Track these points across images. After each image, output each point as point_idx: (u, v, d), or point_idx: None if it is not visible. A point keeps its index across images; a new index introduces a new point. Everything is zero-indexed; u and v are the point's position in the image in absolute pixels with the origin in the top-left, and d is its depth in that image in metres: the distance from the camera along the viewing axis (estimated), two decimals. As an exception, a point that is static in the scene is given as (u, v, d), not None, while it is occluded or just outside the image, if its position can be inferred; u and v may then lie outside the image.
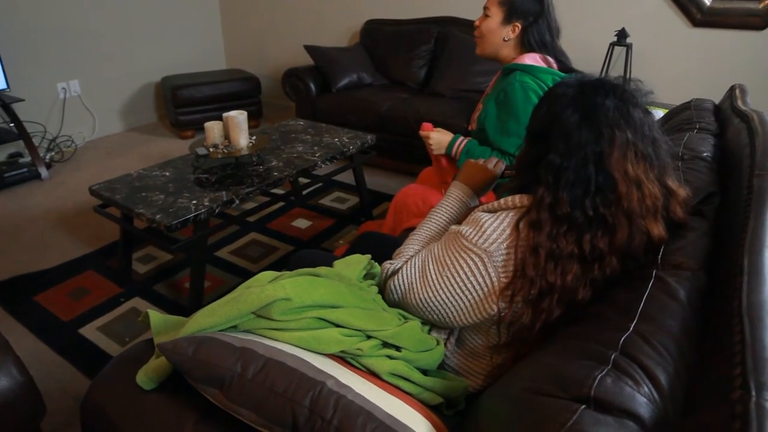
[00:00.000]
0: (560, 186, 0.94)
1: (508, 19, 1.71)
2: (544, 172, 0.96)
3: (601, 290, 0.95)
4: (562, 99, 0.99)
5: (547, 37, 1.71)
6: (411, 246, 1.23)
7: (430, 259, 1.07)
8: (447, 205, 1.32)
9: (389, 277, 1.14)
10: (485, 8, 1.74)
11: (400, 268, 1.13)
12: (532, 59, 1.70)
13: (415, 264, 1.10)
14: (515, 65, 1.71)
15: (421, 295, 1.06)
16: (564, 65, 1.75)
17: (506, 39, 1.73)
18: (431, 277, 1.05)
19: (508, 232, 0.98)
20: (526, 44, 1.72)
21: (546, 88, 1.64)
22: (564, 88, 1.02)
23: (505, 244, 0.97)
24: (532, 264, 0.94)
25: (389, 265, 1.17)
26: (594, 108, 0.95)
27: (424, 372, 1.04)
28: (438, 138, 1.83)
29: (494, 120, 1.74)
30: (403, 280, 1.10)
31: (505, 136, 1.72)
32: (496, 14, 1.72)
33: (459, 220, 1.29)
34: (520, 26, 1.70)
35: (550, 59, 1.73)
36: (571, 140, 0.94)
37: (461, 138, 1.81)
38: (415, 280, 1.08)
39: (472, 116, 1.92)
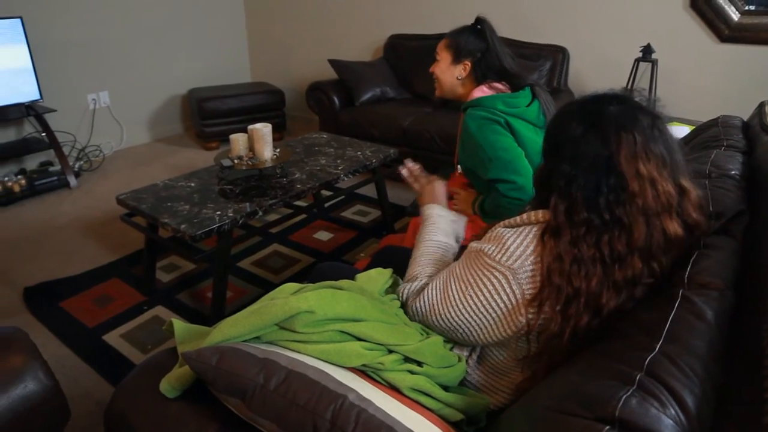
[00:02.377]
0: (572, 190, 0.95)
1: (456, 59, 1.80)
2: (555, 180, 0.98)
3: (628, 298, 0.94)
4: (566, 115, 1.02)
5: (497, 64, 1.79)
6: (422, 267, 1.23)
7: (452, 278, 1.07)
8: (434, 223, 1.35)
9: (410, 299, 1.14)
10: (436, 53, 1.84)
11: (421, 289, 1.13)
12: (479, 92, 1.78)
13: (436, 285, 1.09)
14: (467, 103, 1.79)
15: (444, 315, 1.06)
16: (517, 84, 1.79)
17: (459, 78, 1.82)
18: (454, 296, 1.05)
19: (532, 247, 0.98)
20: (478, 78, 1.80)
21: (497, 112, 1.70)
22: (566, 106, 1.04)
23: (530, 260, 0.97)
24: (557, 271, 0.94)
25: (405, 289, 1.18)
26: (597, 114, 0.96)
27: (445, 388, 1.03)
28: (463, 198, 1.91)
29: (473, 161, 1.79)
30: (425, 302, 1.09)
31: (477, 165, 1.76)
32: (445, 58, 1.82)
33: (449, 231, 1.34)
34: (469, 64, 1.79)
35: (498, 85, 1.79)
36: (578, 148, 0.96)
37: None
38: (438, 300, 1.07)
39: (455, 160, 1.97)
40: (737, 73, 3.04)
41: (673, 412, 0.66)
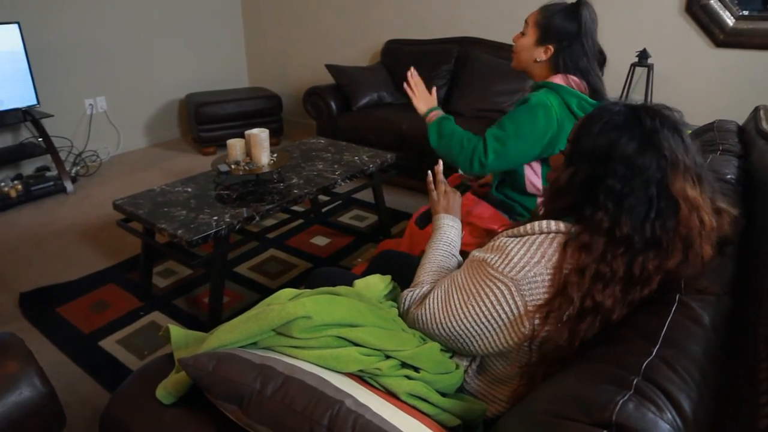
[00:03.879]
0: (622, 210, 0.93)
1: (541, 41, 1.67)
2: (603, 197, 0.95)
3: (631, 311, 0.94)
4: (614, 125, 0.98)
5: (583, 62, 1.67)
6: (427, 275, 1.22)
7: (453, 288, 1.06)
8: (445, 233, 1.33)
9: (411, 307, 1.14)
10: (525, 24, 1.72)
11: (423, 297, 1.12)
12: (559, 79, 1.68)
13: (437, 294, 1.09)
14: (545, 83, 1.69)
15: (445, 325, 1.05)
16: (595, 92, 1.71)
17: (538, 60, 1.70)
18: (456, 306, 1.04)
19: (537, 257, 0.97)
20: (556, 68, 1.69)
21: (567, 111, 1.63)
22: (610, 113, 1.00)
23: (534, 270, 0.96)
24: (575, 284, 0.93)
25: (408, 293, 1.17)
26: (653, 133, 0.94)
27: (443, 394, 1.03)
28: (423, 94, 1.90)
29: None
30: (426, 310, 1.09)
31: (495, 125, 1.71)
32: (531, 34, 1.69)
33: (457, 243, 1.33)
34: (552, 49, 1.66)
35: (580, 82, 1.69)
36: (632, 165, 0.94)
37: (437, 111, 1.85)
38: (439, 310, 1.07)
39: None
40: (732, 77, 3.06)
41: (670, 416, 0.66)
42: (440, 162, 1.56)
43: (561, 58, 1.67)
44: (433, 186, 1.50)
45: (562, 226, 0.99)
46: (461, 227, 1.39)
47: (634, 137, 0.95)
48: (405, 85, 1.91)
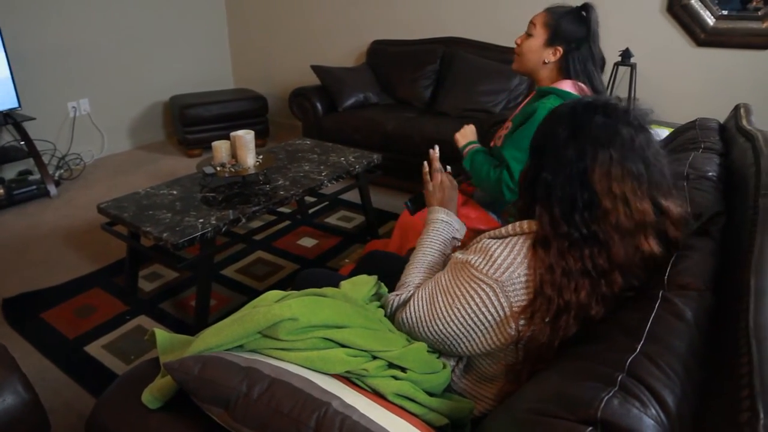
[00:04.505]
0: (552, 203, 0.95)
1: (550, 42, 1.66)
2: (539, 189, 0.98)
3: (612, 308, 0.95)
4: (557, 117, 1.01)
5: (590, 64, 1.67)
6: (414, 275, 1.21)
7: (438, 290, 1.06)
8: (437, 229, 1.30)
9: (397, 310, 1.13)
10: (530, 26, 1.70)
11: (408, 300, 1.11)
12: (569, 86, 1.67)
13: (422, 297, 1.08)
14: (552, 89, 1.67)
15: (431, 328, 1.05)
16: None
17: (546, 62, 1.68)
18: (441, 309, 1.04)
19: (520, 258, 0.97)
20: (564, 70, 1.68)
21: None
22: (562, 107, 1.03)
23: (518, 271, 0.96)
24: (549, 282, 0.93)
25: (394, 297, 1.16)
26: (581, 125, 0.95)
27: (430, 393, 1.03)
28: (465, 133, 1.91)
29: (513, 130, 1.74)
30: (411, 314, 1.08)
31: (511, 145, 1.71)
32: (540, 35, 1.67)
33: (448, 241, 1.29)
34: (561, 51, 1.66)
35: (585, 89, 1.68)
36: (558, 157, 0.95)
37: (475, 144, 1.87)
38: (424, 312, 1.06)
39: (498, 132, 1.90)
40: (713, 76, 3.10)
41: (654, 411, 0.67)
42: (436, 147, 1.51)
43: (570, 60, 1.66)
44: (428, 176, 1.44)
45: (534, 225, 1.00)
46: (456, 218, 1.35)
47: (565, 129, 0.96)
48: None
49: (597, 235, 0.92)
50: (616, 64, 3.16)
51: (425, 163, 1.47)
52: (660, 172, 0.96)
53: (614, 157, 0.92)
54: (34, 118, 3.56)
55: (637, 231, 0.93)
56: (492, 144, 1.92)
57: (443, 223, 1.32)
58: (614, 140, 0.93)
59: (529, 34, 1.71)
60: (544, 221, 0.96)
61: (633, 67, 3.13)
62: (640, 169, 0.93)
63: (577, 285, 0.93)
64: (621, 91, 3.25)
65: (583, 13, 1.66)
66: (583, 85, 1.68)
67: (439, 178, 1.41)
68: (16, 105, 3.48)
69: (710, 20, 3.02)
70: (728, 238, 1.08)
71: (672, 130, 1.87)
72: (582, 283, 0.93)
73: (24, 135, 3.49)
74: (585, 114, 0.97)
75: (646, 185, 0.94)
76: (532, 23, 1.70)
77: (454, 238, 1.31)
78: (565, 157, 0.94)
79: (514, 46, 1.76)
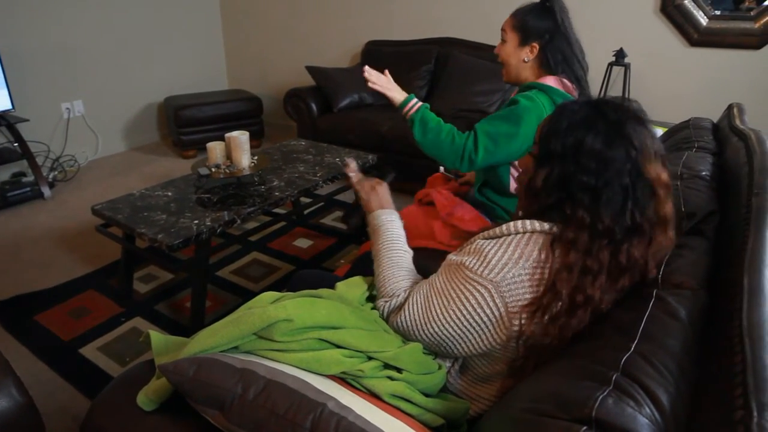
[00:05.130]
0: (600, 204, 0.94)
1: (524, 41, 1.69)
2: (580, 194, 0.96)
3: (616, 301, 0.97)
4: (578, 121, 0.99)
5: (567, 50, 1.69)
6: (399, 282, 1.18)
7: (432, 293, 1.05)
8: (390, 230, 1.29)
9: (391, 316, 1.12)
10: (502, 32, 1.73)
11: (402, 304, 1.11)
12: (551, 81, 1.69)
13: (417, 300, 1.07)
14: (535, 83, 1.69)
15: (427, 331, 1.05)
16: (578, 82, 1.72)
17: (526, 60, 1.71)
18: (437, 311, 1.03)
19: (515, 257, 0.97)
20: (545, 64, 1.70)
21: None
22: (572, 112, 1.01)
23: (513, 270, 0.96)
24: (565, 281, 0.93)
25: (383, 303, 1.15)
26: (618, 125, 0.96)
27: (426, 394, 1.03)
28: (390, 83, 1.89)
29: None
30: (407, 317, 1.08)
31: (486, 121, 1.70)
32: (513, 38, 1.71)
33: (404, 236, 1.29)
34: (537, 46, 1.68)
35: (568, 84, 1.70)
36: (603, 159, 0.95)
37: (415, 100, 1.82)
38: (420, 316, 1.06)
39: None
40: (707, 76, 3.11)
41: (648, 410, 0.67)
42: (351, 162, 1.54)
43: (548, 53, 1.68)
44: (357, 188, 1.44)
45: (537, 225, 0.99)
46: (398, 215, 1.34)
47: (599, 131, 0.96)
48: (369, 84, 1.85)
49: (642, 227, 0.94)
50: (610, 65, 3.17)
51: (350, 174, 1.50)
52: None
53: (656, 150, 0.96)
54: (27, 120, 3.55)
55: (671, 220, 0.96)
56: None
57: (391, 222, 1.30)
58: (649, 136, 0.96)
59: (503, 41, 1.74)
60: (584, 223, 0.95)
61: (627, 67, 3.14)
62: (665, 156, 0.97)
63: (599, 281, 0.94)
64: (615, 91, 3.26)
65: (547, 4, 1.68)
66: (565, 80, 1.70)
67: (367, 185, 1.41)
68: (9, 107, 3.46)
69: (703, 20, 3.03)
70: (722, 237, 1.08)
71: (666, 129, 1.88)
72: (602, 279, 0.94)
73: (17, 136, 3.48)
74: (615, 113, 0.98)
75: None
76: (503, 30, 1.73)
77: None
78: (611, 158, 0.94)
79: None
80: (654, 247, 0.95)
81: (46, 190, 3.54)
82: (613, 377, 0.71)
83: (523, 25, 1.68)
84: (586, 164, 0.96)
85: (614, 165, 0.94)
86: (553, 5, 1.67)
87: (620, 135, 0.95)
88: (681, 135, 1.63)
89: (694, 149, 1.47)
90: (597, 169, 0.95)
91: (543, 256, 0.96)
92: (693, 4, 3.03)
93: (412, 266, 1.25)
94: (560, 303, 0.94)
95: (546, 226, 0.99)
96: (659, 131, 2.14)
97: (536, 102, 1.64)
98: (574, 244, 0.95)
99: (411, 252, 1.28)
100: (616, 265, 0.94)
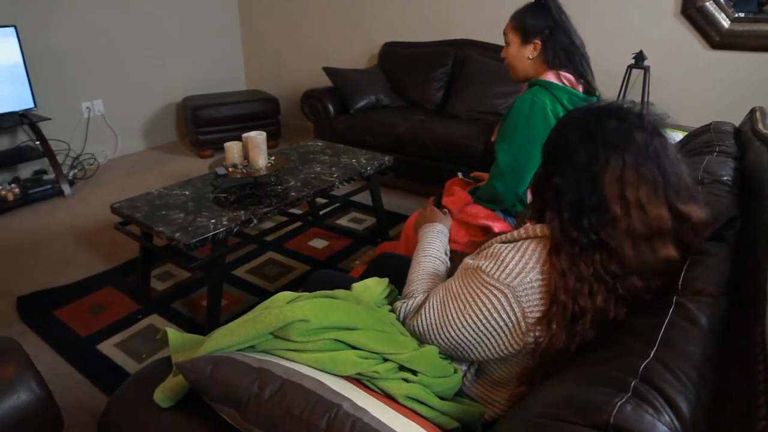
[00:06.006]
0: (562, 208, 0.94)
1: (526, 40, 1.77)
2: (549, 194, 0.98)
3: (632, 309, 0.94)
4: (570, 122, 1.01)
5: (571, 47, 1.76)
6: (419, 284, 1.21)
7: (449, 297, 1.05)
8: (434, 239, 1.35)
9: (408, 318, 1.13)
10: (504, 37, 1.82)
11: (419, 307, 1.11)
12: (550, 76, 1.77)
13: (433, 304, 1.07)
14: (536, 80, 1.77)
15: (443, 335, 1.05)
16: (588, 86, 1.78)
17: (530, 57, 1.79)
18: (453, 315, 1.03)
19: (532, 263, 0.96)
20: (550, 59, 1.77)
21: (560, 107, 1.71)
22: (576, 111, 1.03)
23: (530, 276, 0.95)
24: (563, 288, 0.92)
25: (401, 305, 1.16)
26: (593, 130, 0.95)
27: (441, 397, 1.03)
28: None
29: (502, 124, 1.87)
30: (423, 321, 1.07)
31: (500, 137, 1.84)
32: (515, 39, 1.80)
33: (445, 250, 1.35)
34: (539, 43, 1.76)
35: (571, 77, 1.77)
36: (569, 162, 0.95)
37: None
38: (436, 319, 1.05)
39: (495, 128, 1.97)
40: (729, 79, 3.07)
41: (667, 418, 0.66)
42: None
43: (550, 48, 1.76)
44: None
45: (546, 229, 0.99)
46: (445, 229, 1.43)
47: (578, 133, 0.96)
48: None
49: (606, 242, 0.91)
50: (630, 67, 3.14)
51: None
52: (677, 177, 0.94)
53: (628, 162, 0.91)
54: (49, 119, 3.61)
55: (653, 236, 0.91)
56: (492, 139, 1.99)
57: (440, 234, 1.38)
58: (628, 145, 0.92)
59: (507, 43, 1.83)
60: (555, 226, 0.95)
61: (646, 70, 3.10)
62: (656, 175, 0.92)
63: (592, 290, 0.92)
64: (634, 94, 3.22)
65: (542, 2, 1.76)
66: (566, 74, 1.77)
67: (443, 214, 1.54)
68: (31, 105, 3.52)
69: (725, 23, 2.99)
70: (743, 243, 1.06)
71: (686, 133, 1.86)
72: (597, 287, 0.92)
73: (39, 135, 3.54)
74: (598, 118, 0.96)
75: (662, 191, 0.92)
76: (504, 33, 1.82)
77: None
78: (576, 161, 0.94)
79: None
80: (631, 263, 0.90)
81: (66, 188, 3.59)
82: (632, 384, 0.70)
83: (522, 24, 1.77)
84: (558, 165, 0.97)
85: (577, 169, 0.94)
86: (548, 2, 1.75)
87: (591, 140, 0.94)
88: (702, 139, 1.61)
89: (716, 153, 1.45)
90: (563, 170, 0.96)
91: (546, 262, 0.96)
92: (715, 6, 2.99)
93: (438, 272, 1.25)
94: (565, 312, 0.92)
95: (546, 230, 0.99)
96: (679, 135, 2.11)
97: (538, 101, 1.73)
98: (558, 249, 0.94)
99: (444, 261, 1.31)
100: (598, 276, 0.92)
